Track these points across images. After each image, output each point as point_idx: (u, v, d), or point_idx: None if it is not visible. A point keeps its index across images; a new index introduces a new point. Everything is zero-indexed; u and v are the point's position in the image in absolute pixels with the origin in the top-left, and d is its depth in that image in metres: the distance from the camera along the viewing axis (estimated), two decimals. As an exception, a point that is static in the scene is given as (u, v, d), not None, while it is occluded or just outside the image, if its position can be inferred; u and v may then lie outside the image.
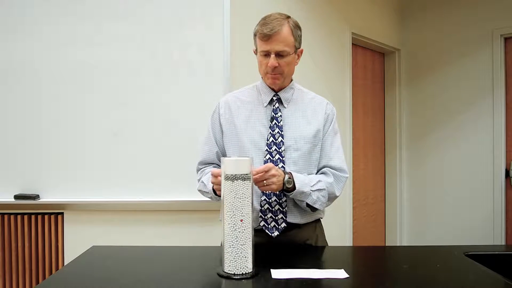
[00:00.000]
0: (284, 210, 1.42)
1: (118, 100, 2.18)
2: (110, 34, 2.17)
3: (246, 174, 1.14)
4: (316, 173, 1.49)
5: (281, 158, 1.42)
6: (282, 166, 1.42)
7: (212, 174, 1.31)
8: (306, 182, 1.38)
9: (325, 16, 2.90)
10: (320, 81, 2.82)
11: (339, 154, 1.51)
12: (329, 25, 2.94)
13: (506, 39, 3.20)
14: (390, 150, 3.73)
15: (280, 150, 1.43)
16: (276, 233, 1.41)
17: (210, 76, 2.19)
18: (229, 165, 1.14)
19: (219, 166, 1.43)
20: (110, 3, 2.18)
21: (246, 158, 1.16)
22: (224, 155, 1.51)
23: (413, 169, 3.66)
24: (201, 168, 1.58)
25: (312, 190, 1.38)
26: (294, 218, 1.44)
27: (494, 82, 3.20)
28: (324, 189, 1.42)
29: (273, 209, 1.41)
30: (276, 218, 1.41)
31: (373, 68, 3.62)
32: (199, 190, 1.55)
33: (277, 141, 1.43)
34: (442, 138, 3.48)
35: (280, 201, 1.41)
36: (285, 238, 1.44)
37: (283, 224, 1.41)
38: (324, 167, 1.49)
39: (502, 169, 3.18)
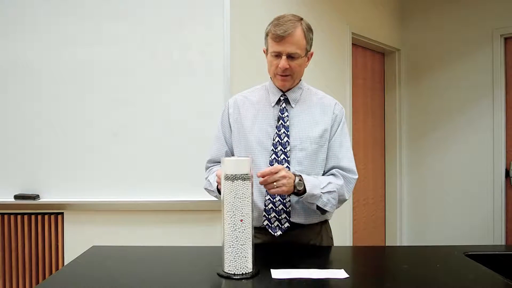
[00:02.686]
0: (287, 210, 1.41)
1: (118, 100, 2.18)
2: (110, 34, 2.17)
3: (246, 174, 1.14)
4: (324, 174, 1.47)
5: (286, 158, 1.41)
6: (287, 166, 1.41)
7: (217, 175, 1.35)
8: (316, 184, 1.36)
9: (325, 16, 2.90)
10: (320, 81, 2.81)
11: (349, 154, 1.49)
12: (329, 25, 2.94)
13: (506, 39, 3.20)
14: (390, 150, 3.73)
15: (285, 150, 1.42)
16: (279, 232, 1.41)
17: (210, 76, 2.19)
18: (229, 165, 1.14)
19: None
20: (110, 3, 2.18)
21: (246, 158, 1.16)
22: (233, 154, 1.52)
23: (413, 169, 3.66)
24: (210, 167, 1.58)
25: (323, 193, 1.36)
26: (298, 218, 1.43)
27: (494, 82, 3.20)
28: (334, 191, 1.39)
29: (277, 208, 1.41)
30: (280, 218, 1.41)
31: (373, 68, 3.62)
32: (205, 189, 1.56)
33: (282, 141, 1.42)
34: (442, 138, 3.48)
35: (284, 201, 1.41)
36: (288, 238, 1.43)
37: (286, 224, 1.41)
38: (333, 167, 1.47)
39: (502, 169, 3.18)
